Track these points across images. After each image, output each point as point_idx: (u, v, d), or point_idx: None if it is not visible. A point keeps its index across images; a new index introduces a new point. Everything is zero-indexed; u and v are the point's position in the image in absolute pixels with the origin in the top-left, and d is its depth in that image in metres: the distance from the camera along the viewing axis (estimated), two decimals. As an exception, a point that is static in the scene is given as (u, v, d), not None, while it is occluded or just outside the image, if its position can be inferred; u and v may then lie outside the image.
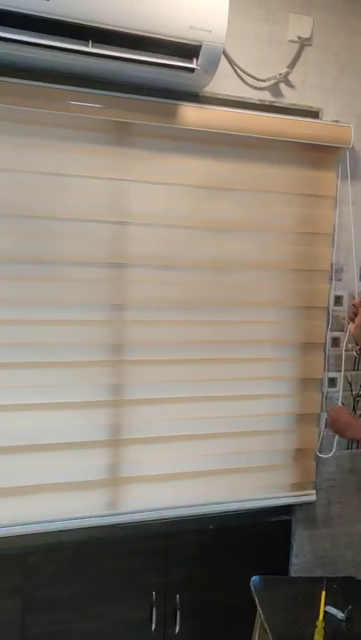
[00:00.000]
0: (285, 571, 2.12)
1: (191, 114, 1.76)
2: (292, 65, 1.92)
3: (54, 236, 1.75)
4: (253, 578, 1.81)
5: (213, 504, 1.98)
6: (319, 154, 1.96)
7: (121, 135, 1.78)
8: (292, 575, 2.11)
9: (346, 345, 2.06)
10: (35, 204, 1.72)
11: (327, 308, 2.05)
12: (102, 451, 1.86)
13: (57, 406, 1.79)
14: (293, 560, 2.12)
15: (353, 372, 2.12)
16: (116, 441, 1.87)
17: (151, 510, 1.91)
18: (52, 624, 1.83)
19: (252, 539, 2.06)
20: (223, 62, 1.79)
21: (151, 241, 1.84)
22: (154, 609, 1.93)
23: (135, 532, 1.90)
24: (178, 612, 1.95)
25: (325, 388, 2.08)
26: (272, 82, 1.91)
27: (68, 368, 1.79)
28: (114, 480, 1.88)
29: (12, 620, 1.79)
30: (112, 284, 1.82)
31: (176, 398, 1.92)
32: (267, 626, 1.60)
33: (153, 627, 1.93)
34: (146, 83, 1.72)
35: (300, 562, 2.13)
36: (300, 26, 1.92)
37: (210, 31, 1.55)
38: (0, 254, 1.70)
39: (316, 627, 1.59)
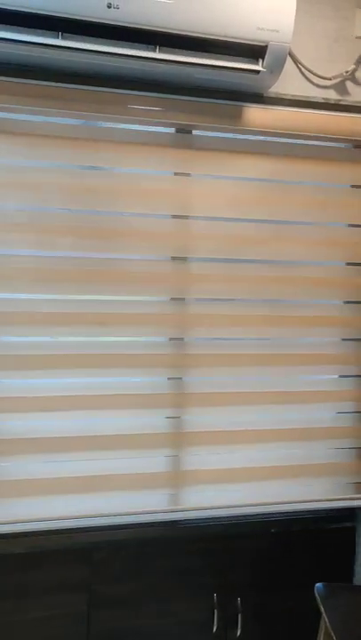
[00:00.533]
0: (348, 579, 2.08)
1: (256, 115, 1.76)
2: (358, 62, 1.88)
3: (119, 235, 1.78)
4: (317, 585, 1.78)
5: (274, 504, 1.97)
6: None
7: (185, 138, 1.80)
8: (356, 584, 2.06)
9: None
10: (100, 203, 1.75)
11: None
12: (165, 447, 1.88)
13: (119, 400, 1.82)
14: (358, 569, 2.07)
15: None
16: (179, 437, 1.89)
17: (213, 508, 1.92)
18: (115, 620, 1.86)
19: (315, 543, 2.02)
20: (288, 61, 1.77)
21: (214, 236, 1.85)
22: (215, 611, 1.93)
23: (197, 532, 1.91)
24: (239, 615, 1.95)
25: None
26: (338, 80, 1.87)
27: (131, 361, 1.82)
28: (176, 477, 1.90)
29: (78, 614, 1.83)
30: (175, 278, 1.84)
31: (240, 395, 1.91)
32: (334, 635, 1.57)
33: (214, 629, 1.93)
34: (210, 85, 1.72)
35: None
36: (368, 21, 1.88)
37: (277, 31, 1.55)
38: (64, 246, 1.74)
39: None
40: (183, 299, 1.85)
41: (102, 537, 1.84)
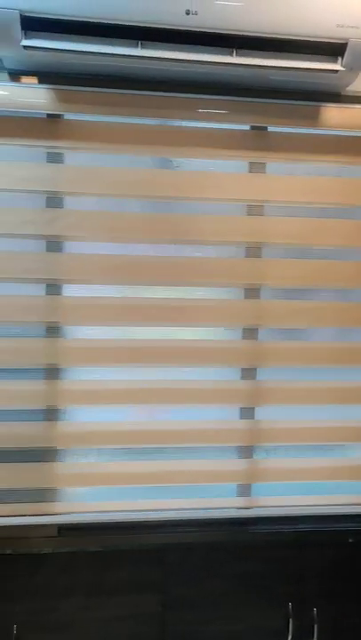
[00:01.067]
0: None
1: (333, 114, 1.74)
2: None
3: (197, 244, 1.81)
4: None
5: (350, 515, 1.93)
6: None
7: (260, 138, 1.79)
8: None
9: None
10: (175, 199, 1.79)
11: None
12: (239, 447, 1.88)
13: (193, 395, 1.84)
14: None
15: None
16: (253, 434, 1.89)
17: (285, 507, 1.91)
18: (191, 623, 1.86)
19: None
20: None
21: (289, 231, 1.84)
22: (290, 620, 1.90)
23: (269, 537, 1.89)
24: (315, 626, 1.90)
25: None
26: None
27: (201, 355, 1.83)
28: (249, 477, 1.89)
29: (154, 615, 1.85)
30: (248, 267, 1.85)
31: (319, 390, 1.89)
32: None
33: (289, 638, 1.90)
34: (285, 86, 1.70)
35: None
36: None
37: (357, 27, 1.51)
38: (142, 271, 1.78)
39: None
40: (259, 288, 1.85)
41: (173, 538, 1.85)
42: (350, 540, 1.91)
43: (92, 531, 1.83)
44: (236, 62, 1.53)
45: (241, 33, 1.49)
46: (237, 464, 1.89)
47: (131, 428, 1.82)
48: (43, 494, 1.81)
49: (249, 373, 1.86)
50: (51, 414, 1.79)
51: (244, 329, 1.85)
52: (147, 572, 1.84)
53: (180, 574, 1.86)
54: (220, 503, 1.88)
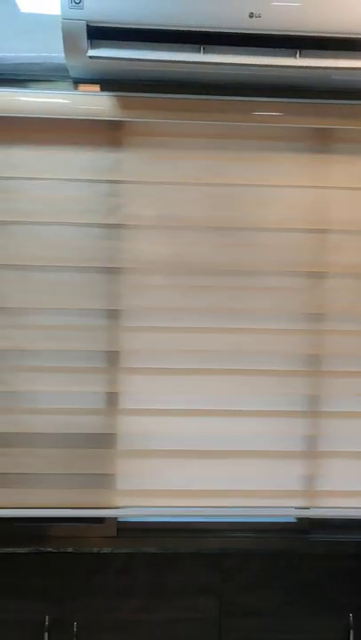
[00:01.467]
0: None
1: None
2: None
3: (254, 246, 1.79)
4: None
5: None
6: None
7: (321, 142, 1.76)
8: None
9: None
10: (234, 216, 1.77)
11: None
12: (298, 462, 1.85)
13: (252, 414, 1.82)
14: None
15: None
16: (312, 453, 1.85)
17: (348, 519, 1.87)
18: (248, 630, 1.85)
19: None
20: None
21: (353, 249, 1.78)
22: (351, 631, 1.85)
23: (330, 548, 1.85)
24: (377, 639, 1.85)
25: None
26: None
27: (264, 376, 1.81)
28: (308, 492, 1.86)
29: (210, 620, 1.84)
30: (311, 294, 1.81)
31: None
32: None
33: (350, 650, 1.86)
34: (349, 86, 1.67)
35: None
36: None
37: None
38: (200, 265, 1.78)
39: None
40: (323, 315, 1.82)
41: (232, 543, 1.84)
42: None
43: (150, 532, 1.85)
44: (300, 65, 1.51)
45: (304, 34, 1.46)
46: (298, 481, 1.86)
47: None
48: (102, 482, 1.82)
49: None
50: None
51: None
52: (205, 576, 1.84)
53: (238, 580, 1.85)
54: (281, 502, 1.85)
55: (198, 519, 1.87)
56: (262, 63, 1.49)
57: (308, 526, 1.88)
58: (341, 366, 1.82)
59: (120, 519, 1.85)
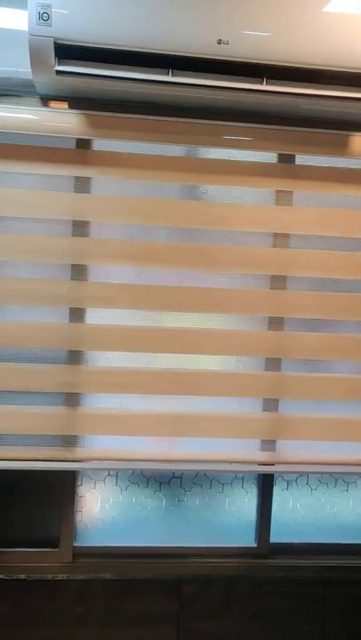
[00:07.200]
0: None
1: (364, 144, 1.72)
2: None
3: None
4: None
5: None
6: None
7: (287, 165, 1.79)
8: None
9: None
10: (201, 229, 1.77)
11: None
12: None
13: (216, 425, 1.79)
14: None
15: None
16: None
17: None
18: (205, 659, 1.81)
19: None
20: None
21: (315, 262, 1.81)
22: (309, 659, 1.84)
23: (289, 573, 1.84)
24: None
25: None
26: None
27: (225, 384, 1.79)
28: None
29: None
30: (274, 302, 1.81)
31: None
32: None
33: None
34: (316, 115, 1.70)
35: None
36: None
37: (388, 59, 1.50)
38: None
39: None
40: (282, 323, 1.82)
41: (191, 569, 1.81)
42: (373, 578, 1.86)
43: (107, 557, 1.80)
44: (266, 89, 1.53)
45: (271, 63, 1.49)
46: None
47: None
48: (63, 439, 1.75)
49: (271, 404, 1.82)
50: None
51: (266, 359, 1.82)
52: (163, 603, 1.80)
53: (197, 607, 1.82)
54: (243, 457, 1.80)
55: (157, 544, 1.84)
56: (226, 86, 1.51)
57: (267, 551, 1.86)
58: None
59: (76, 544, 1.79)
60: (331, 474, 1.91)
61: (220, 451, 1.78)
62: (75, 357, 1.75)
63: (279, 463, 1.81)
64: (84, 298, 1.73)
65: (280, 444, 1.82)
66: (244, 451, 1.80)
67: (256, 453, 1.81)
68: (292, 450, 1.82)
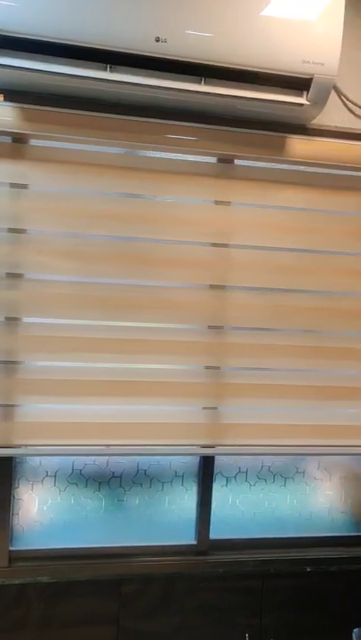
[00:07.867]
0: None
1: (299, 146, 1.76)
2: None
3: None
4: (355, 630, 1.70)
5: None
6: None
7: (226, 167, 1.80)
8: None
9: None
10: (140, 231, 1.75)
11: None
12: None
13: (156, 429, 1.80)
14: None
15: None
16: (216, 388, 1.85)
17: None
18: (145, 657, 1.81)
19: (354, 585, 1.95)
20: (331, 93, 1.77)
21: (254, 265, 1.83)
22: (247, 652, 1.87)
23: (229, 568, 1.86)
24: (273, 658, 1.88)
25: None
26: (381, 112, 1.86)
27: (166, 389, 1.81)
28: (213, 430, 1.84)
29: (106, 650, 1.79)
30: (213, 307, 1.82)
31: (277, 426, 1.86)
32: None
33: (246, 671, 1.87)
34: (253, 116, 1.72)
35: None
36: None
37: (322, 64, 1.54)
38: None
39: None
40: (222, 327, 1.82)
41: (130, 569, 1.80)
42: (308, 570, 1.90)
43: (44, 560, 1.77)
44: (204, 91, 1.54)
45: (209, 63, 1.50)
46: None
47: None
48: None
49: (211, 409, 1.83)
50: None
51: (206, 366, 1.82)
52: (102, 604, 1.79)
53: (136, 606, 1.81)
54: (187, 441, 1.79)
55: (96, 545, 1.82)
56: (167, 86, 1.51)
57: (207, 547, 1.88)
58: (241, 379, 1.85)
59: (12, 548, 1.75)
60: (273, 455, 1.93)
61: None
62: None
63: (221, 446, 1.81)
64: (17, 302, 1.69)
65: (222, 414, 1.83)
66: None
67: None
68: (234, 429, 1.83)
